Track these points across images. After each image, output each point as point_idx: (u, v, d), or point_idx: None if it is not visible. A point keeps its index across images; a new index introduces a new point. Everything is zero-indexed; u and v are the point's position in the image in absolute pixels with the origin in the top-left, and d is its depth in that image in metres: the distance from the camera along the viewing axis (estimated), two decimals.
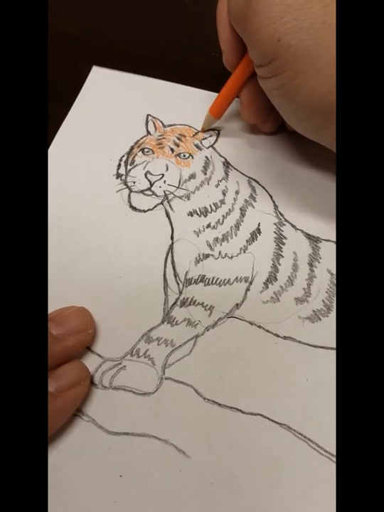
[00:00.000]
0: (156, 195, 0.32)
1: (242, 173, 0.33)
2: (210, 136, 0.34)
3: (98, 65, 0.37)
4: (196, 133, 0.34)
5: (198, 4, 0.41)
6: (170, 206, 0.31)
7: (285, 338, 0.27)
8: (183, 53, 0.38)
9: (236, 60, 0.29)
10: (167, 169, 0.32)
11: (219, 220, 0.31)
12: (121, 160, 0.33)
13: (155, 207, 0.31)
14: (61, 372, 0.24)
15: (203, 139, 0.34)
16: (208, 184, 0.32)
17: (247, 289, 0.29)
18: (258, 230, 0.31)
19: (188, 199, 0.32)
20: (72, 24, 0.39)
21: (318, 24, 0.23)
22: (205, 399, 0.25)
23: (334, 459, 0.24)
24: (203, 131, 0.34)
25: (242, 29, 0.26)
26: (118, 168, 0.33)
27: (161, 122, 0.35)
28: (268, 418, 0.25)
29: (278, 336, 0.27)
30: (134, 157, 0.33)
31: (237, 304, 0.28)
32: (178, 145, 0.34)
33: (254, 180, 0.32)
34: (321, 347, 0.27)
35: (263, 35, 0.24)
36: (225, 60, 0.30)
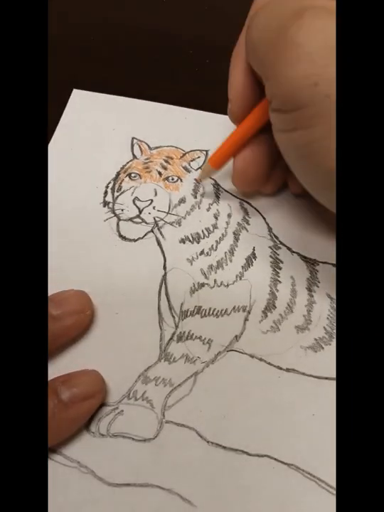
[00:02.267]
0: (145, 222, 0.30)
1: (234, 195, 0.32)
2: (198, 157, 0.33)
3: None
4: (184, 154, 0.33)
5: (175, 4, 0.40)
6: (161, 233, 0.30)
7: (288, 370, 0.26)
8: (160, 52, 0.37)
9: (244, 112, 0.25)
10: (156, 194, 0.31)
11: (212, 245, 0.30)
12: (107, 187, 0.32)
13: (145, 235, 0.30)
14: (76, 381, 0.24)
15: (191, 161, 0.33)
16: (199, 208, 0.31)
17: (246, 319, 0.28)
18: (253, 255, 0.30)
19: (179, 225, 0.30)
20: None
21: None
22: (208, 442, 0.24)
23: None
24: (199, 181, 0.31)
25: (266, 63, 0.21)
26: (105, 196, 0.31)
27: (147, 145, 0.33)
28: (275, 459, 0.24)
29: (280, 368, 0.26)
30: (120, 183, 0.32)
31: (236, 336, 0.27)
32: (165, 168, 0.32)
33: (246, 201, 0.31)
34: (326, 378, 0.26)
35: (297, 73, 0.19)
36: (231, 112, 0.26)
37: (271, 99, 0.21)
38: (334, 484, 0.23)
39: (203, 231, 0.30)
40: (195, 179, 0.31)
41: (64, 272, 0.28)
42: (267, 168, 0.25)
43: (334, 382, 0.26)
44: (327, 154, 0.19)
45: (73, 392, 0.23)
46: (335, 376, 0.26)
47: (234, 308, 0.28)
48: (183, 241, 0.30)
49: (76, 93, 0.35)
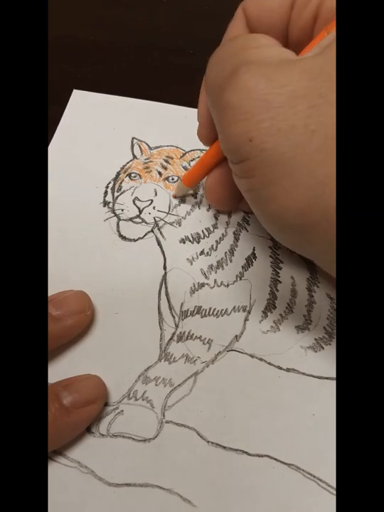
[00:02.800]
0: (145, 222, 0.30)
1: None
2: (198, 157, 0.33)
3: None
4: (184, 154, 0.33)
5: (175, 4, 0.40)
6: (161, 233, 0.30)
7: (288, 370, 0.26)
8: (160, 52, 0.38)
9: (211, 136, 0.26)
10: (156, 194, 0.31)
11: (212, 245, 0.30)
12: (107, 187, 0.32)
13: (145, 235, 0.30)
14: (78, 386, 0.24)
15: (191, 160, 0.33)
16: (199, 208, 0.31)
17: (246, 319, 0.28)
18: (253, 255, 0.30)
19: (180, 225, 0.30)
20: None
21: (299, 128, 0.19)
22: (208, 442, 0.24)
23: None
24: (175, 197, 0.31)
25: (214, 116, 0.22)
26: (105, 196, 0.31)
27: (147, 145, 0.33)
28: (276, 459, 0.24)
29: (281, 368, 0.26)
30: (120, 183, 0.32)
31: (236, 336, 0.27)
32: (165, 168, 0.32)
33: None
34: (326, 378, 0.26)
35: (234, 131, 0.20)
36: (199, 134, 0.27)
37: (223, 151, 0.23)
38: (334, 484, 0.23)
39: (203, 231, 0.30)
40: (173, 195, 0.31)
41: (64, 271, 0.28)
42: (236, 190, 0.25)
43: (334, 382, 0.26)
44: (267, 202, 0.20)
45: (75, 397, 0.23)
46: (335, 376, 0.26)
47: (234, 308, 0.28)
48: (183, 241, 0.30)
49: (76, 93, 0.35)
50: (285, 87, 0.19)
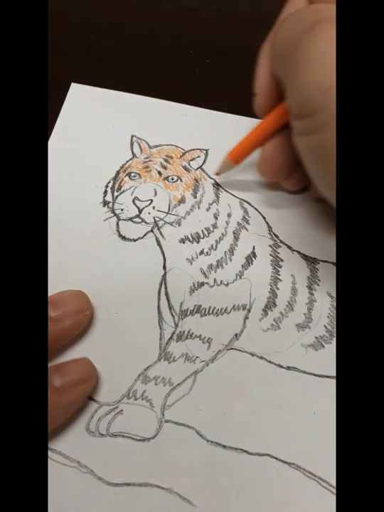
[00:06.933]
0: (145, 222, 0.30)
1: (233, 195, 0.31)
2: (198, 156, 0.33)
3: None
4: (183, 154, 0.33)
5: (175, 3, 0.40)
6: (160, 233, 0.30)
7: (288, 368, 0.26)
8: (160, 52, 0.37)
9: (269, 106, 0.26)
10: (155, 194, 0.31)
11: (212, 245, 0.30)
12: (107, 186, 0.32)
13: (145, 235, 0.30)
14: (68, 369, 0.24)
15: (191, 160, 0.33)
16: (199, 208, 0.31)
17: (246, 317, 0.27)
18: (253, 254, 0.29)
19: (179, 225, 0.30)
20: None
21: None
22: (208, 441, 0.24)
23: None
24: (218, 174, 0.31)
25: (285, 71, 0.22)
26: (104, 196, 0.31)
27: (147, 143, 0.33)
28: (276, 458, 0.24)
29: (281, 366, 0.26)
30: (120, 183, 0.32)
31: (236, 334, 0.27)
32: (165, 167, 0.32)
33: (245, 201, 0.31)
34: (327, 376, 0.26)
35: (310, 80, 0.20)
36: (257, 105, 0.27)
37: (290, 107, 0.23)
38: (334, 483, 0.23)
39: (202, 231, 0.30)
40: (215, 172, 0.31)
41: (64, 271, 0.28)
42: (293, 160, 0.25)
43: (334, 381, 0.25)
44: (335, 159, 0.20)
45: (65, 378, 0.23)
46: (335, 374, 0.26)
47: (234, 306, 0.28)
48: (182, 241, 0.30)
49: (75, 87, 0.35)
50: None
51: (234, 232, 0.30)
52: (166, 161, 0.33)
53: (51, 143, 0.33)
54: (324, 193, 0.24)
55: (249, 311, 0.28)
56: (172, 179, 0.32)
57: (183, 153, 0.33)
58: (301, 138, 0.22)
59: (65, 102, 0.34)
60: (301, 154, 0.24)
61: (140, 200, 0.31)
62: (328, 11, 0.21)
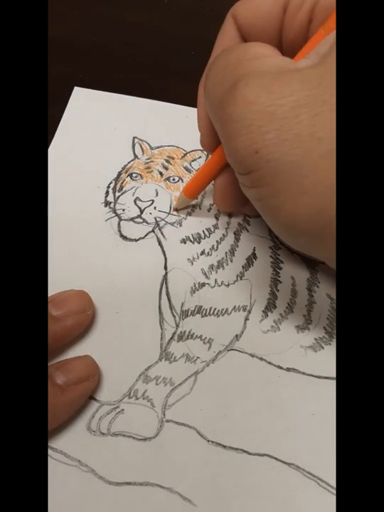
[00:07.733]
0: (146, 222, 0.31)
1: None
2: (199, 157, 0.33)
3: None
4: (185, 154, 0.33)
5: (176, 4, 0.40)
6: (162, 234, 0.30)
7: (288, 369, 0.26)
8: (160, 52, 0.38)
9: (213, 144, 0.26)
10: (157, 194, 0.31)
11: (213, 246, 0.30)
12: (109, 187, 0.32)
13: (146, 235, 0.30)
14: (71, 366, 0.24)
15: (192, 161, 0.33)
16: (200, 208, 0.31)
17: (246, 319, 0.28)
18: (254, 255, 0.30)
19: (180, 225, 0.31)
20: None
21: (305, 137, 0.19)
22: (208, 441, 0.24)
23: None
24: (176, 210, 0.31)
25: (216, 127, 0.22)
26: (106, 196, 0.32)
27: (148, 144, 0.34)
28: (276, 458, 0.24)
29: (281, 367, 0.26)
30: (122, 183, 0.32)
31: (236, 335, 0.27)
32: (166, 168, 0.32)
33: None
34: (326, 377, 0.26)
35: (239, 144, 0.20)
36: (201, 143, 0.27)
37: (229, 163, 0.22)
38: (334, 483, 0.23)
39: (203, 231, 0.30)
40: (174, 208, 0.31)
41: (65, 271, 0.28)
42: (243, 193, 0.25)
43: (334, 382, 0.26)
44: (277, 210, 0.20)
45: (68, 376, 0.24)
46: (335, 376, 0.26)
47: (234, 307, 0.28)
48: (184, 241, 0.30)
49: (77, 91, 0.35)
50: (287, 98, 0.19)
51: (235, 233, 0.30)
52: (167, 161, 0.33)
53: (54, 145, 0.33)
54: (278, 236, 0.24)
55: (249, 312, 0.28)
56: (173, 180, 0.32)
57: (185, 154, 0.33)
58: (244, 188, 0.22)
59: (68, 104, 0.35)
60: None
61: (141, 201, 0.31)
62: (248, 61, 0.21)
